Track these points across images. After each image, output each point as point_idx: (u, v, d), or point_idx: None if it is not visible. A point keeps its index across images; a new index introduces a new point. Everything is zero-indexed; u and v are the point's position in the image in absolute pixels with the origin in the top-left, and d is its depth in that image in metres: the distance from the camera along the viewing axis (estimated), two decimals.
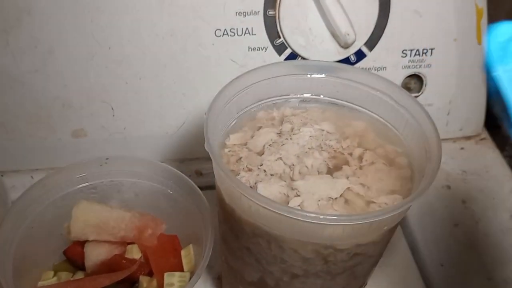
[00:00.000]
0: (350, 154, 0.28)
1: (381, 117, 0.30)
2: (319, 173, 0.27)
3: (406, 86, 0.43)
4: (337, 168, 0.28)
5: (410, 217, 0.40)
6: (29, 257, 0.33)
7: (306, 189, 0.26)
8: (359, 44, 0.40)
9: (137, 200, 0.36)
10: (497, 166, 0.44)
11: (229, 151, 0.28)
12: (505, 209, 0.41)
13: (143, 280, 0.33)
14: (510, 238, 0.38)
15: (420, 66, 0.42)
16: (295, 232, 0.24)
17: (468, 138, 0.47)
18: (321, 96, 0.31)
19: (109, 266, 0.32)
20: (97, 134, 0.42)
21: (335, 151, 0.29)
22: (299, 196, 0.25)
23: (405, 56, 0.41)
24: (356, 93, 0.31)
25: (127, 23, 0.38)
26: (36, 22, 0.37)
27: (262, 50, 0.39)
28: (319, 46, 0.39)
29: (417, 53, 0.41)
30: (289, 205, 0.25)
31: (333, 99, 0.31)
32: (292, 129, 0.30)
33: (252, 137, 0.29)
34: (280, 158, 0.28)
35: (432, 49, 0.41)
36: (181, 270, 0.33)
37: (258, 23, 0.38)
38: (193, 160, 0.45)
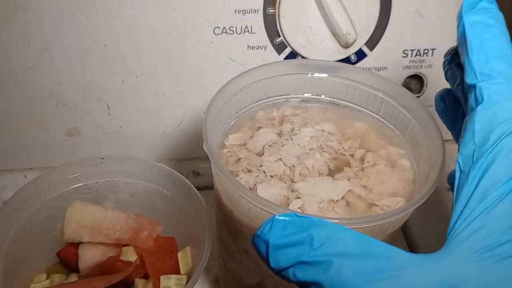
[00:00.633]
0: (352, 155, 0.28)
1: (383, 118, 0.30)
2: (320, 174, 0.27)
3: (406, 87, 0.42)
4: (338, 169, 0.27)
5: (410, 219, 0.40)
6: (21, 259, 0.32)
7: (306, 191, 0.25)
8: (360, 43, 0.39)
9: (132, 201, 0.35)
10: None
11: (228, 152, 0.28)
12: None
13: (139, 283, 0.32)
14: None
15: (421, 66, 0.41)
16: None
17: None
18: (322, 96, 0.31)
19: (103, 269, 0.32)
20: (92, 133, 0.41)
21: (336, 152, 0.28)
22: (299, 198, 0.25)
23: (406, 56, 0.41)
24: (358, 93, 0.30)
25: (124, 19, 0.37)
26: (30, 18, 0.36)
27: (261, 48, 0.39)
28: (319, 45, 0.39)
29: (418, 53, 0.41)
30: (289, 207, 0.24)
31: (334, 99, 0.31)
32: (292, 130, 0.29)
33: (251, 137, 0.29)
34: (280, 159, 0.27)
35: (433, 50, 0.41)
36: (178, 272, 0.32)
37: (257, 21, 0.38)
38: (190, 159, 0.44)
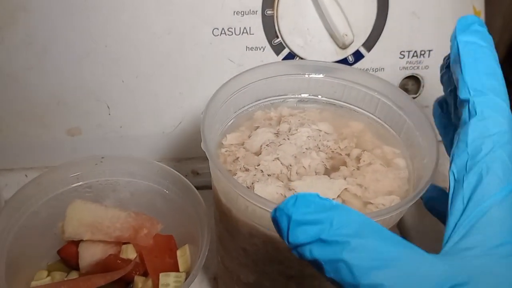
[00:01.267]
0: (348, 154, 0.28)
1: (379, 118, 0.30)
2: (316, 173, 0.27)
3: (403, 88, 0.43)
4: (335, 168, 0.28)
5: (406, 219, 0.40)
6: (22, 257, 0.32)
7: (303, 189, 0.25)
8: (357, 45, 0.39)
9: (132, 200, 0.36)
10: None
11: (226, 151, 0.28)
12: None
13: (138, 280, 0.32)
14: None
15: (418, 67, 0.42)
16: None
17: None
18: (319, 96, 0.31)
19: (103, 266, 0.32)
20: (92, 132, 0.41)
21: (332, 151, 0.28)
22: None
23: (403, 58, 0.41)
24: (354, 93, 0.30)
25: (124, 20, 0.37)
26: (32, 19, 0.36)
27: (259, 49, 0.39)
28: (317, 46, 0.39)
29: (415, 54, 0.41)
30: None
31: (331, 100, 0.31)
32: (289, 129, 0.29)
33: (249, 137, 0.29)
34: (278, 158, 0.27)
35: (430, 51, 0.41)
36: (177, 270, 0.33)
37: (256, 23, 0.38)
38: (190, 159, 0.44)
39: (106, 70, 0.39)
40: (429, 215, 0.29)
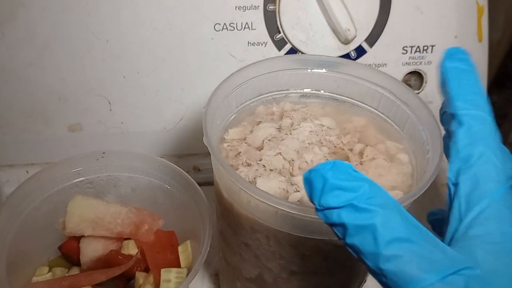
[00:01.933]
0: (351, 149, 0.28)
1: (382, 113, 0.30)
2: None
3: (406, 83, 0.43)
4: None
5: None
6: (23, 253, 0.32)
7: None
8: (360, 40, 0.39)
9: (134, 195, 0.36)
10: None
11: (228, 146, 0.28)
12: None
13: (140, 276, 0.32)
14: None
15: (421, 63, 0.41)
16: (295, 227, 0.24)
17: None
18: (322, 91, 0.31)
19: (105, 262, 0.32)
20: (93, 128, 0.41)
21: (335, 146, 0.28)
22: (298, 191, 0.25)
23: (406, 53, 0.41)
24: (357, 88, 0.30)
25: (125, 16, 0.37)
26: (32, 15, 0.36)
27: (261, 45, 0.39)
28: (319, 42, 0.39)
29: (418, 49, 0.41)
30: (288, 200, 0.24)
31: (334, 94, 0.31)
32: (292, 124, 0.29)
33: (251, 132, 0.29)
34: (280, 153, 0.27)
35: (432, 46, 0.41)
36: (178, 266, 0.33)
37: (258, 18, 0.38)
38: (191, 155, 0.44)
39: (107, 66, 0.39)
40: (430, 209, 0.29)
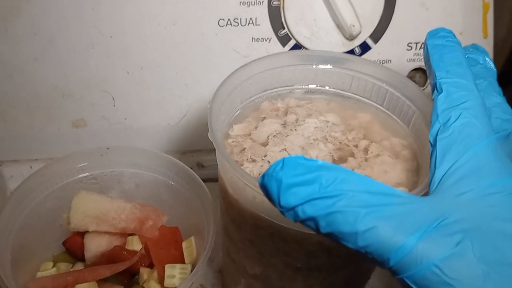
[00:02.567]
0: (356, 146, 0.28)
1: (387, 109, 0.30)
2: None
3: (411, 80, 0.42)
4: (342, 160, 0.27)
5: None
6: (28, 248, 0.32)
7: None
8: (364, 36, 0.39)
9: (138, 191, 0.36)
10: None
11: (232, 142, 0.28)
12: None
13: (144, 271, 0.32)
14: None
15: None
16: (300, 224, 0.24)
17: None
18: (326, 87, 0.31)
19: (109, 258, 0.32)
20: (97, 124, 0.41)
21: (340, 142, 0.28)
22: None
23: (410, 49, 0.41)
24: (362, 84, 0.30)
25: (129, 11, 0.37)
26: (36, 10, 0.36)
27: (266, 41, 0.39)
28: (323, 38, 0.39)
29: (423, 46, 0.41)
30: None
31: (339, 91, 0.31)
32: (296, 120, 0.29)
33: (256, 127, 0.29)
34: (285, 149, 0.27)
35: None
36: (182, 262, 0.33)
37: (262, 13, 0.38)
38: (195, 152, 0.44)
39: (111, 62, 0.39)
40: None
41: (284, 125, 0.29)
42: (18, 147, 0.42)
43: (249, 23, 0.38)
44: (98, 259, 0.32)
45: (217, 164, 0.27)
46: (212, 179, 0.38)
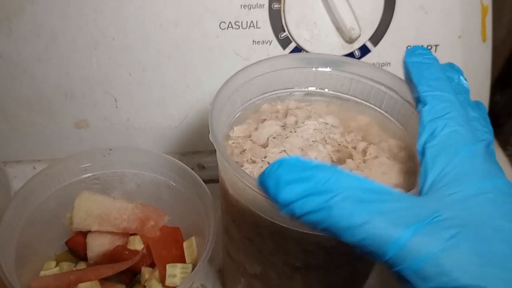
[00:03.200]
0: (354, 147, 0.28)
1: (385, 112, 0.30)
2: None
3: None
4: (341, 161, 0.28)
5: None
6: (31, 247, 0.33)
7: None
8: (364, 39, 0.39)
9: (139, 191, 0.36)
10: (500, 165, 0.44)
11: (233, 143, 0.28)
12: None
13: (145, 271, 0.33)
14: None
15: None
16: (298, 223, 0.24)
17: None
18: (326, 89, 0.31)
19: (111, 257, 0.32)
20: (99, 125, 0.41)
21: (339, 144, 0.29)
22: None
23: None
24: (361, 87, 0.31)
25: (131, 13, 0.37)
26: (39, 10, 0.37)
27: (266, 43, 0.39)
28: (323, 40, 0.39)
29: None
30: None
31: (338, 93, 0.31)
32: (296, 122, 0.29)
33: (256, 129, 0.29)
34: (284, 151, 0.27)
35: (436, 46, 0.41)
36: (183, 261, 0.33)
37: (263, 16, 0.38)
38: (196, 153, 0.45)
39: (114, 63, 0.39)
40: None
41: (283, 127, 0.29)
42: (21, 147, 0.42)
43: (250, 26, 0.38)
44: (100, 259, 0.33)
45: (217, 166, 0.28)
46: (213, 180, 0.39)
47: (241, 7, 0.38)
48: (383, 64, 0.41)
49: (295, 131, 0.29)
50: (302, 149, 0.28)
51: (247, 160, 0.27)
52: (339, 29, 0.38)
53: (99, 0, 0.37)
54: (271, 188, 0.17)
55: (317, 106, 0.31)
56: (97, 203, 0.33)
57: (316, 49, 0.39)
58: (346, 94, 0.31)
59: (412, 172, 0.28)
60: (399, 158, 0.28)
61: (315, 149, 0.28)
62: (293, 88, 0.32)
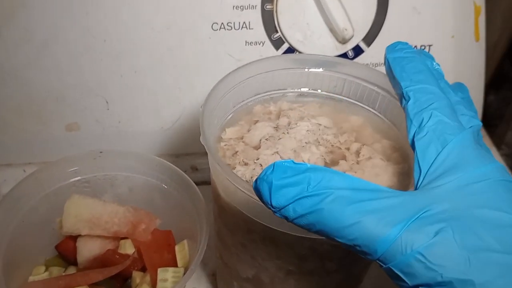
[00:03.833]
0: (347, 148, 0.28)
1: (378, 112, 0.30)
2: None
3: None
4: (334, 162, 0.27)
5: None
6: (20, 252, 0.32)
7: None
8: (357, 39, 0.39)
9: (131, 195, 0.36)
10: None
11: (225, 145, 0.28)
12: None
13: (136, 275, 0.32)
14: None
15: None
16: (291, 227, 0.24)
17: None
18: (319, 90, 0.31)
19: (101, 261, 0.32)
20: (91, 128, 0.41)
21: (332, 145, 0.28)
22: None
23: None
24: (354, 88, 0.30)
25: (123, 16, 0.37)
26: (31, 15, 0.36)
27: (259, 44, 0.39)
28: (316, 41, 0.39)
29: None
30: None
31: (331, 94, 0.31)
32: (289, 123, 0.29)
33: (248, 131, 0.29)
34: (277, 152, 0.27)
35: (430, 46, 0.41)
36: (175, 265, 0.33)
37: (255, 17, 0.38)
38: (189, 155, 0.44)
39: (105, 66, 0.39)
40: None
41: (276, 128, 0.29)
42: (12, 151, 0.42)
43: (242, 27, 0.38)
44: (90, 263, 0.32)
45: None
46: (207, 182, 0.38)
47: (233, 8, 0.37)
48: (376, 65, 0.41)
49: (288, 133, 0.28)
50: (295, 151, 0.27)
51: (239, 162, 0.27)
52: (332, 29, 0.38)
53: (90, 4, 0.36)
54: (264, 193, 0.18)
55: (310, 107, 0.31)
56: (87, 207, 0.33)
57: (309, 50, 0.39)
58: (339, 95, 0.31)
59: (406, 173, 0.27)
60: (392, 159, 0.28)
61: (308, 150, 0.28)
62: (286, 89, 0.31)
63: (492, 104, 0.55)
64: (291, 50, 0.39)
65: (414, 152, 0.20)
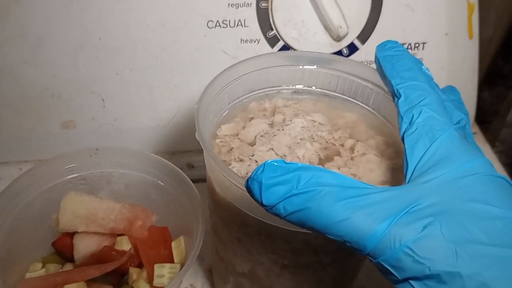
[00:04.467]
0: (342, 145, 0.28)
1: (372, 109, 0.30)
2: (310, 163, 0.27)
3: None
4: (329, 158, 0.28)
5: None
6: (16, 249, 0.32)
7: None
8: (352, 37, 0.40)
9: (127, 192, 0.36)
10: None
11: (220, 142, 0.28)
12: None
13: (133, 271, 0.32)
14: None
15: None
16: (285, 222, 0.24)
17: None
18: (313, 87, 0.31)
19: (98, 258, 0.32)
20: (87, 125, 0.41)
21: (326, 142, 0.29)
22: None
23: None
24: (348, 84, 0.31)
25: (118, 13, 0.37)
26: (25, 12, 0.36)
27: (254, 42, 0.39)
28: (311, 39, 0.39)
29: (409, 47, 0.41)
30: None
31: (325, 91, 0.31)
32: (284, 120, 0.29)
33: (243, 127, 0.29)
34: (272, 149, 0.27)
35: (424, 43, 0.41)
36: (172, 261, 0.33)
37: (250, 15, 0.38)
38: (185, 152, 0.44)
39: (101, 63, 0.39)
40: None
41: (271, 125, 0.29)
42: (7, 148, 0.42)
43: (237, 25, 0.38)
44: (87, 260, 0.32)
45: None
46: (202, 179, 0.38)
47: (228, 6, 0.38)
48: (371, 62, 0.41)
49: (282, 129, 0.29)
50: (289, 147, 0.28)
51: (235, 159, 0.27)
52: (327, 27, 0.38)
53: (85, 1, 0.36)
54: (256, 191, 0.18)
55: (304, 104, 0.31)
56: (84, 204, 0.33)
57: (304, 48, 0.39)
58: (334, 92, 0.31)
59: (400, 168, 0.28)
60: (386, 154, 0.28)
61: (303, 147, 0.28)
62: (281, 86, 0.32)
63: (486, 100, 0.56)
64: (286, 47, 0.39)
65: (404, 144, 0.21)
